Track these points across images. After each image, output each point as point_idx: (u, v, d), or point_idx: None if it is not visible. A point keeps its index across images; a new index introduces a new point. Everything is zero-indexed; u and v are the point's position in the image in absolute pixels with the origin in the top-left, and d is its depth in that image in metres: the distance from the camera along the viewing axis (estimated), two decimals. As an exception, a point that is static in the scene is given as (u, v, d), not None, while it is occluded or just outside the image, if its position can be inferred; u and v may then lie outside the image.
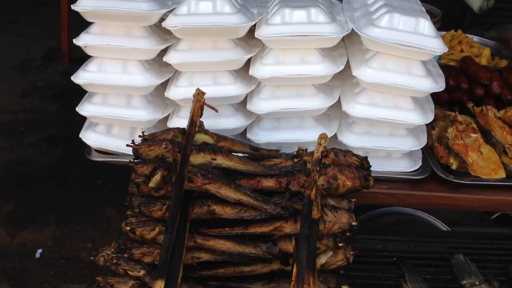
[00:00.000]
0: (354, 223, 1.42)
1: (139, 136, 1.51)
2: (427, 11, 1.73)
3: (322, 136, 1.55)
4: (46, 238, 3.58)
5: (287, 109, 1.71)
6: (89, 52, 1.72)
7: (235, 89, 1.73)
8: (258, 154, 1.58)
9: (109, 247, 1.59)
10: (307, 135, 1.76)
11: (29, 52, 5.82)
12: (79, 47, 1.71)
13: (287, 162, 1.54)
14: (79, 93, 1.84)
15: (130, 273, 1.43)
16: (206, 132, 1.54)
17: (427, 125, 1.80)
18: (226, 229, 1.43)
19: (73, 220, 3.72)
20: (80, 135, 1.83)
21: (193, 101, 1.59)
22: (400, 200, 1.77)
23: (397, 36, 1.59)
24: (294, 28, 1.61)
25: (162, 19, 1.69)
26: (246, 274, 1.43)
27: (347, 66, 1.73)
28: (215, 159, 1.46)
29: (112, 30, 1.69)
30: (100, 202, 3.85)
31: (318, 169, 1.46)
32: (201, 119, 1.61)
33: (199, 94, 1.60)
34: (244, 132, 1.82)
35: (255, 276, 1.44)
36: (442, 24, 3.21)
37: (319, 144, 1.53)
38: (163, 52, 1.75)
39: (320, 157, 1.49)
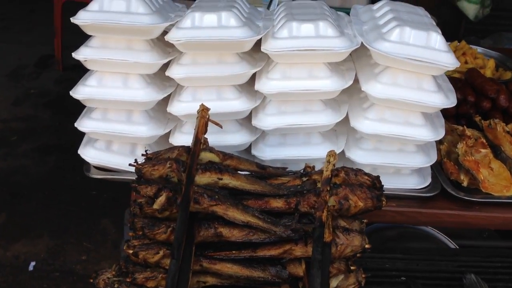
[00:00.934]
0: (367, 246, 1.37)
1: (142, 155, 1.46)
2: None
3: (331, 154, 1.50)
4: (39, 250, 3.52)
5: (294, 125, 1.66)
6: (89, 66, 1.66)
7: (239, 104, 1.67)
8: (265, 172, 1.52)
9: (109, 269, 1.53)
10: (314, 152, 1.71)
11: (22, 59, 5.74)
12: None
13: (296, 181, 1.49)
14: (73, 101, 1.76)
15: (133, 299, 1.37)
16: (211, 150, 1.48)
17: (434, 139, 1.75)
18: (234, 252, 1.37)
19: (67, 231, 3.65)
20: (79, 152, 1.76)
21: (197, 117, 1.53)
22: (410, 218, 1.73)
23: (408, 50, 1.54)
24: (302, 42, 1.56)
25: (165, 32, 1.64)
26: (254, 299, 1.38)
27: (354, 80, 1.69)
28: (221, 179, 1.41)
29: (113, 43, 1.63)
30: (94, 213, 3.79)
31: (328, 189, 1.41)
32: (205, 137, 1.56)
33: (204, 110, 1.54)
34: (248, 149, 1.76)
35: (263, 301, 1.38)
36: None
37: (328, 162, 1.48)
38: (165, 65, 1.70)
39: (330, 176, 1.44)
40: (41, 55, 5.82)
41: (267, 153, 1.72)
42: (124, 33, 1.59)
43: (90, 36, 1.66)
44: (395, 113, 1.65)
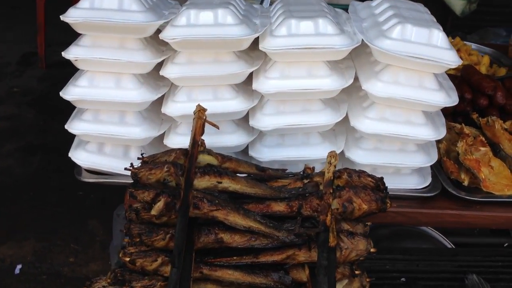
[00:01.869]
0: (372, 250, 1.34)
1: (138, 158, 1.40)
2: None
3: (332, 155, 1.45)
4: (25, 253, 3.44)
5: (292, 126, 1.62)
6: (79, 66, 1.60)
7: (236, 104, 1.62)
8: (264, 174, 1.48)
9: (104, 276, 1.47)
10: (313, 152, 1.67)
11: (4, 57, 5.61)
12: (56, 52, 1.58)
13: (297, 183, 1.44)
14: (57, 99, 1.70)
15: (131, 309, 1.32)
16: (209, 152, 1.43)
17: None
18: (235, 258, 1.33)
19: (54, 233, 3.57)
20: (70, 155, 1.70)
21: (194, 118, 1.48)
22: (410, 218, 1.69)
23: (410, 48, 1.50)
24: (301, 40, 1.51)
25: (159, 30, 1.58)
26: (257, 307, 1.33)
27: (354, 79, 1.65)
28: (221, 182, 1.36)
29: (105, 42, 1.57)
30: (82, 214, 3.71)
31: (331, 191, 1.37)
32: (202, 138, 1.51)
33: (200, 111, 1.49)
34: (245, 150, 1.71)
35: (266, 309, 1.34)
36: None
37: (329, 163, 1.44)
38: (159, 65, 1.64)
39: (332, 178, 1.40)
40: (23, 53, 5.69)
41: (265, 154, 1.67)
42: (116, 31, 1.53)
43: (77, 33, 1.59)
44: (396, 112, 1.61)
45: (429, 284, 1.66)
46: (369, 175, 1.40)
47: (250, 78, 1.64)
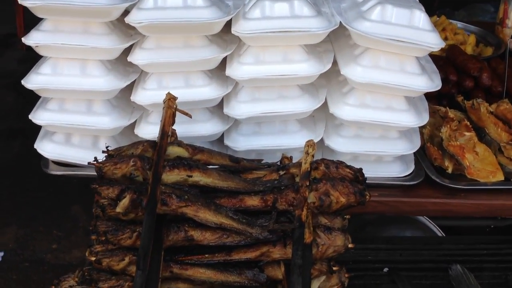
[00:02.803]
0: (350, 246, 1.28)
1: (103, 152, 1.32)
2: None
3: (309, 144, 1.38)
4: (7, 240, 3.38)
5: (269, 113, 1.54)
6: (41, 52, 1.50)
7: (210, 91, 1.54)
8: (238, 166, 1.40)
9: (72, 274, 1.41)
10: (291, 141, 1.60)
11: (-18, 39, 5.47)
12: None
13: (272, 175, 1.37)
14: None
15: (97, 310, 1.25)
16: (180, 144, 1.36)
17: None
18: (206, 256, 1.26)
19: (36, 220, 3.51)
20: (35, 146, 1.61)
21: (163, 107, 1.40)
22: (392, 207, 1.64)
23: (390, 30, 1.43)
24: (275, 23, 1.43)
25: (127, 12, 1.48)
26: (230, 306, 1.27)
27: (333, 62, 1.57)
28: (191, 176, 1.29)
29: (67, 26, 1.48)
30: (64, 200, 3.64)
31: (307, 184, 1.30)
32: (173, 127, 1.43)
33: (170, 99, 1.41)
34: (221, 139, 1.64)
35: (240, 308, 1.28)
36: None
37: (307, 153, 1.37)
38: (128, 49, 1.55)
39: (309, 169, 1.33)
40: (2, 34, 5.54)
41: (241, 143, 1.60)
42: (78, 15, 1.44)
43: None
44: (377, 98, 1.54)
45: (413, 274, 1.61)
46: (348, 166, 1.33)
47: (224, 63, 1.56)
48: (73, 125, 1.55)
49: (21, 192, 3.69)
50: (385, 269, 1.66)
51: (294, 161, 1.48)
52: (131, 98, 1.55)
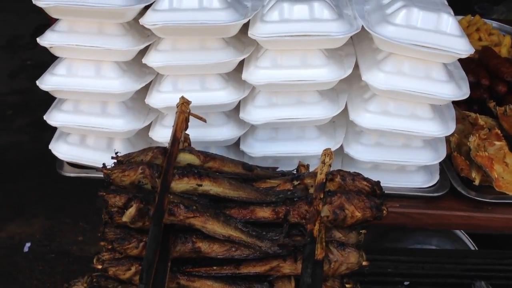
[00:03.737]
0: (364, 263, 1.22)
1: (112, 158, 1.29)
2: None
3: (326, 153, 1.32)
4: (34, 231, 3.42)
5: (286, 119, 1.49)
6: (56, 53, 1.49)
7: (226, 95, 1.49)
8: (252, 174, 1.35)
9: (82, 279, 1.39)
10: (309, 148, 1.54)
11: (16, 29, 5.53)
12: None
13: (286, 185, 1.32)
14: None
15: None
16: (191, 151, 1.31)
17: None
18: (215, 268, 1.22)
19: (62, 211, 3.54)
20: (50, 147, 1.60)
21: (176, 112, 1.37)
22: (414, 220, 1.56)
23: (416, 35, 1.35)
24: (294, 27, 1.37)
25: (144, 12, 1.45)
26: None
27: (355, 66, 1.50)
28: (201, 185, 1.25)
29: (82, 27, 1.45)
30: (90, 191, 3.61)
31: (321, 196, 1.24)
32: (186, 132, 1.39)
33: (184, 104, 1.37)
34: (237, 143, 1.59)
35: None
36: None
37: (323, 163, 1.31)
38: (145, 49, 1.52)
39: (324, 180, 1.27)
40: (36, 25, 5.60)
41: (257, 149, 1.55)
42: (92, 16, 1.41)
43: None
44: (400, 105, 1.47)
45: (434, 289, 1.54)
46: (365, 179, 1.27)
47: (241, 65, 1.51)
48: (88, 127, 1.53)
49: (49, 183, 3.71)
50: (406, 283, 1.59)
51: (311, 169, 1.42)
52: (146, 100, 1.52)
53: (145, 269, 1.11)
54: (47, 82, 1.49)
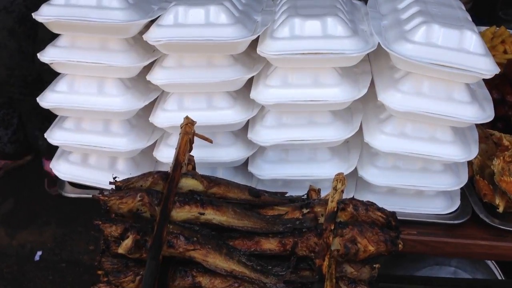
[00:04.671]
0: (377, 303, 1.13)
1: (110, 183, 1.22)
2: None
3: (339, 178, 1.24)
4: (46, 239, 3.38)
5: (297, 141, 1.40)
6: (57, 69, 1.42)
7: (233, 114, 1.42)
8: (259, 200, 1.27)
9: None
10: (320, 170, 1.45)
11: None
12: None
13: (295, 212, 1.23)
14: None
15: None
16: (194, 176, 1.24)
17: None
18: (216, 303, 1.14)
19: (74, 219, 3.50)
20: (51, 166, 1.54)
21: (180, 133, 1.29)
22: (433, 248, 1.47)
23: (437, 54, 1.25)
24: (305, 44, 1.28)
25: (149, 26, 1.38)
26: None
27: (371, 83, 1.41)
28: (203, 214, 1.17)
29: (85, 42, 1.39)
30: (103, 200, 3.61)
31: (332, 228, 1.16)
32: (191, 153, 1.32)
33: (188, 124, 1.30)
34: (245, 164, 1.51)
35: None
36: (473, 4, 2.87)
37: (335, 189, 1.22)
38: (150, 63, 1.45)
39: (335, 209, 1.18)
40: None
41: (266, 170, 1.47)
42: (94, 31, 1.34)
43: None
44: (419, 127, 1.37)
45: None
46: (379, 209, 1.18)
47: (250, 82, 1.43)
48: (90, 146, 1.47)
49: (62, 190, 3.69)
50: (422, 315, 1.50)
51: (323, 193, 1.34)
52: (150, 119, 1.45)
53: (140, 307, 1.04)
54: (48, 100, 1.43)
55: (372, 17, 1.40)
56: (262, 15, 1.42)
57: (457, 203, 1.49)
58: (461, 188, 1.52)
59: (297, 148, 1.45)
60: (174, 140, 1.48)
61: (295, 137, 1.40)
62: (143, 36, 1.34)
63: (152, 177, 1.21)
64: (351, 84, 1.36)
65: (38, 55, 1.40)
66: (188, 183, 1.22)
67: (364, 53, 1.29)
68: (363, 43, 1.30)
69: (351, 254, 1.14)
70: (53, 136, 1.48)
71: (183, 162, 1.25)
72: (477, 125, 1.55)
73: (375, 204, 1.20)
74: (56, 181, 1.60)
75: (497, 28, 2.28)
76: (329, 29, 1.29)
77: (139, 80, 1.48)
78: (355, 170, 1.48)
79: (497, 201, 1.48)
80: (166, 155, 1.47)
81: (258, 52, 1.32)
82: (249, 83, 1.43)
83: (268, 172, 1.46)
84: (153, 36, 1.31)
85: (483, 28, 2.26)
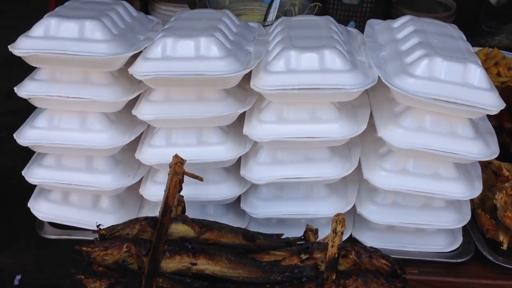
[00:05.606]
0: None
1: (93, 232, 1.13)
2: (441, 3, 1.33)
3: (338, 220, 1.16)
4: (26, 262, 3.26)
5: (292, 179, 1.32)
6: (36, 104, 1.33)
7: (225, 150, 1.34)
8: (254, 245, 1.19)
9: None
10: (317, 208, 1.38)
11: (15, 47, 5.40)
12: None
13: (293, 258, 1.15)
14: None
15: None
16: (185, 220, 1.16)
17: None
18: None
19: (55, 241, 3.37)
20: (29, 205, 1.45)
21: (169, 173, 1.21)
22: (434, 288, 1.40)
23: (439, 89, 1.19)
24: (302, 79, 1.21)
25: (135, 57, 1.29)
26: None
27: (369, 116, 1.34)
28: (195, 264, 1.09)
29: (65, 75, 1.30)
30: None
31: (334, 278, 1.08)
32: (180, 193, 1.24)
33: (177, 164, 1.21)
34: (238, 201, 1.43)
35: None
36: (456, 17, 2.86)
37: (334, 232, 1.15)
38: (135, 98, 1.36)
39: (336, 256, 1.11)
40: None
41: (260, 209, 1.39)
42: (76, 65, 1.26)
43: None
44: (420, 163, 1.31)
45: None
46: (383, 256, 1.11)
47: (243, 115, 1.36)
48: (71, 184, 1.37)
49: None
50: None
51: (320, 230, 1.26)
52: (136, 155, 1.36)
53: None
54: (25, 136, 1.34)
55: (370, 47, 1.33)
56: (254, 46, 1.34)
57: (459, 240, 1.43)
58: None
59: (293, 185, 1.38)
60: (161, 176, 1.40)
61: (291, 175, 1.32)
62: (128, 69, 1.25)
63: (139, 224, 1.12)
64: (350, 119, 1.29)
65: (15, 89, 1.31)
66: (178, 229, 1.14)
67: (364, 88, 1.22)
68: (362, 77, 1.23)
69: (355, 306, 1.07)
70: (31, 174, 1.39)
71: (173, 206, 1.17)
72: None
73: (379, 250, 1.13)
74: None
75: (490, 49, 2.24)
76: (327, 62, 1.21)
77: (124, 113, 1.39)
78: (353, 208, 1.40)
79: (501, 238, 1.42)
80: (153, 192, 1.38)
81: (251, 86, 1.24)
82: (242, 116, 1.35)
83: (262, 210, 1.38)
84: (139, 70, 1.23)
85: (475, 49, 2.21)
